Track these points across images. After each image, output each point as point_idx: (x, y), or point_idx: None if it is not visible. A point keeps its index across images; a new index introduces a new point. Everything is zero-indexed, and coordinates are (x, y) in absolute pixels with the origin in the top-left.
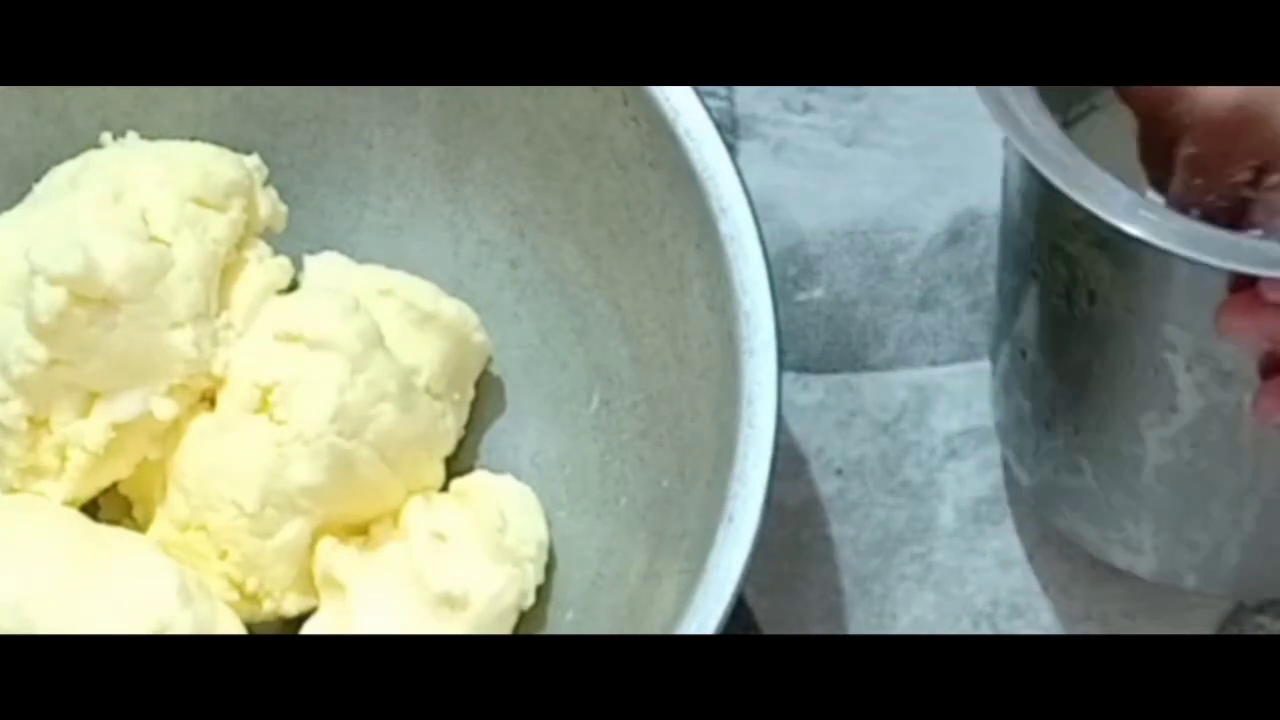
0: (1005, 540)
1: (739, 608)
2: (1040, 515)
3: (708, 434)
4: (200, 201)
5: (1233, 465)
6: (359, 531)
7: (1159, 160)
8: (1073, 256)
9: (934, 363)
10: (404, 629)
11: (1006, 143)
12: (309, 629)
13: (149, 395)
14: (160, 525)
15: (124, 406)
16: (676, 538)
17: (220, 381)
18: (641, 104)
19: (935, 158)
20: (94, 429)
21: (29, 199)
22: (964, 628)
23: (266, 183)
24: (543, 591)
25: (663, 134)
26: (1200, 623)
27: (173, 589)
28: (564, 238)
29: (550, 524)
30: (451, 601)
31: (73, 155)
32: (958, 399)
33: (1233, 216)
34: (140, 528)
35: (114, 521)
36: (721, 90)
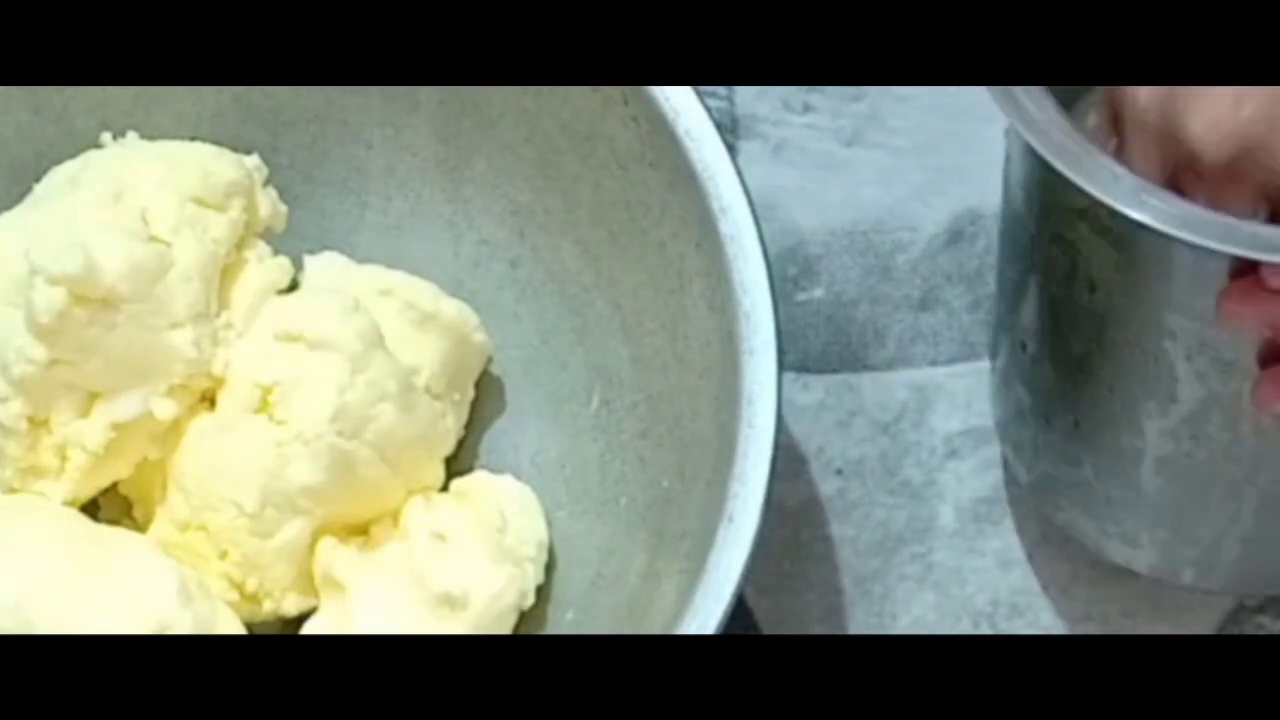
0: (1005, 540)
1: (739, 608)
2: (1039, 511)
3: (708, 434)
4: (200, 201)
5: (1231, 457)
6: (359, 531)
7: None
8: (1074, 245)
9: (934, 363)
10: (404, 629)
11: (1008, 132)
12: (309, 629)
13: (149, 395)
14: (160, 525)
15: (124, 406)
16: (676, 538)
17: (220, 381)
18: (641, 104)
19: (935, 158)
20: (94, 429)
21: (29, 199)
22: (964, 628)
23: (266, 183)
24: (543, 591)
25: (663, 134)
26: (1200, 623)
27: (173, 589)
28: (564, 238)
29: (550, 524)
30: (451, 601)
31: (73, 155)
32: (958, 399)
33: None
34: (140, 528)
35: (114, 521)
36: (721, 90)
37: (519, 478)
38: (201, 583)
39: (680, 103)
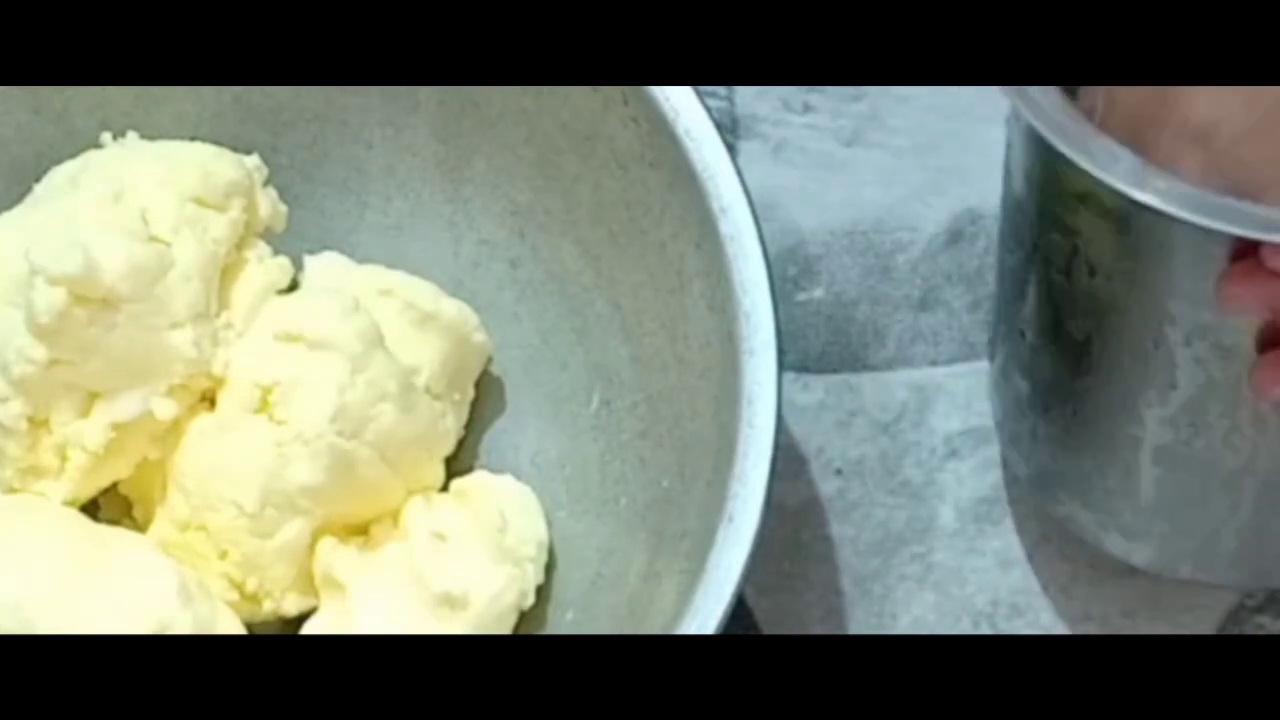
0: (1005, 540)
1: (739, 608)
2: (1038, 505)
3: (708, 434)
4: (200, 201)
5: (1230, 446)
6: (359, 531)
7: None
8: (1074, 229)
9: (934, 363)
10: (404, 629)
11: (1010, 118)
12: (309, 629)
13: (149, 395)
14: (160, 525)
15: (124, 406)
16: (676, 538)
17: (220, 381)
18: (641, 104)
19: (935, 158)
20: (94, 429)
21: (29, 199)
22: (964, 628)
23: (266, 183)
24: (543, 591)
25: (663, 134)
26: (1200, 623)
27: (173, 589)
28: (564, 238)
29: (550, 524)
30: (451, 601)
31: (73, 155)
32: (958, 399)
33: None
34: (140, 528)
35: (114, 521)
36: (721, 90)
37: (519, 478)
38: (201, 583)
39: (680, 103)
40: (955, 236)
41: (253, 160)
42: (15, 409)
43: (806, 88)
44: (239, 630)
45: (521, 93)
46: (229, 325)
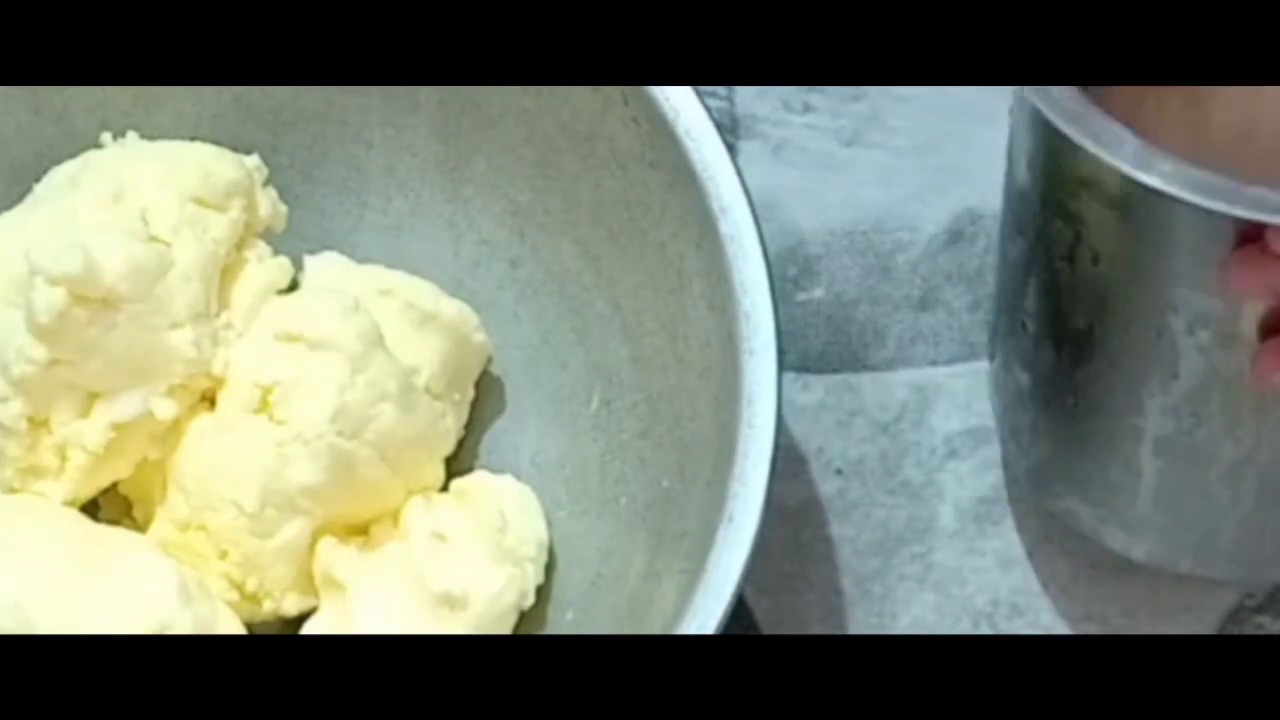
0: (1005, 540)
1: (739, 608)
2: (1037, 499)
3: (708, 434)
4: (200, 201)
5: (1232, 437)
6: (359, 531)
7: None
8: (1078, 216)
9: (934, 363)
10: (404, 629)
11: (1013, 106)
12: (309, 629)
13: (149, 395)
14: (160, 525)
15: (124, 406)
16: (676, 538)
17: (220, 381)
18: (641, 104)
19: (935, 158)
20: (94, 429)
21: (29, 199)
22: (964, 628)
23: (266, 183)
24: (543, 591)
25: (663, 134)
26: (1200, 623)
27: (173, 589)
28: (564, 238)
29: (550, 524)
30: (451, 601)
31: (73, 155)
32: (958, 399)
33: None
34: (140, 528)
35: (114, 521)
36: (721, 90)
37: (519, 478)
38: (201, 583)
39: (680, 103)
40: (955, 236)
41: (253, 160)
42: (15, 409)
43: (806, 88)
44: (239, 630)
45: (521, 93)
46: (229, 325)
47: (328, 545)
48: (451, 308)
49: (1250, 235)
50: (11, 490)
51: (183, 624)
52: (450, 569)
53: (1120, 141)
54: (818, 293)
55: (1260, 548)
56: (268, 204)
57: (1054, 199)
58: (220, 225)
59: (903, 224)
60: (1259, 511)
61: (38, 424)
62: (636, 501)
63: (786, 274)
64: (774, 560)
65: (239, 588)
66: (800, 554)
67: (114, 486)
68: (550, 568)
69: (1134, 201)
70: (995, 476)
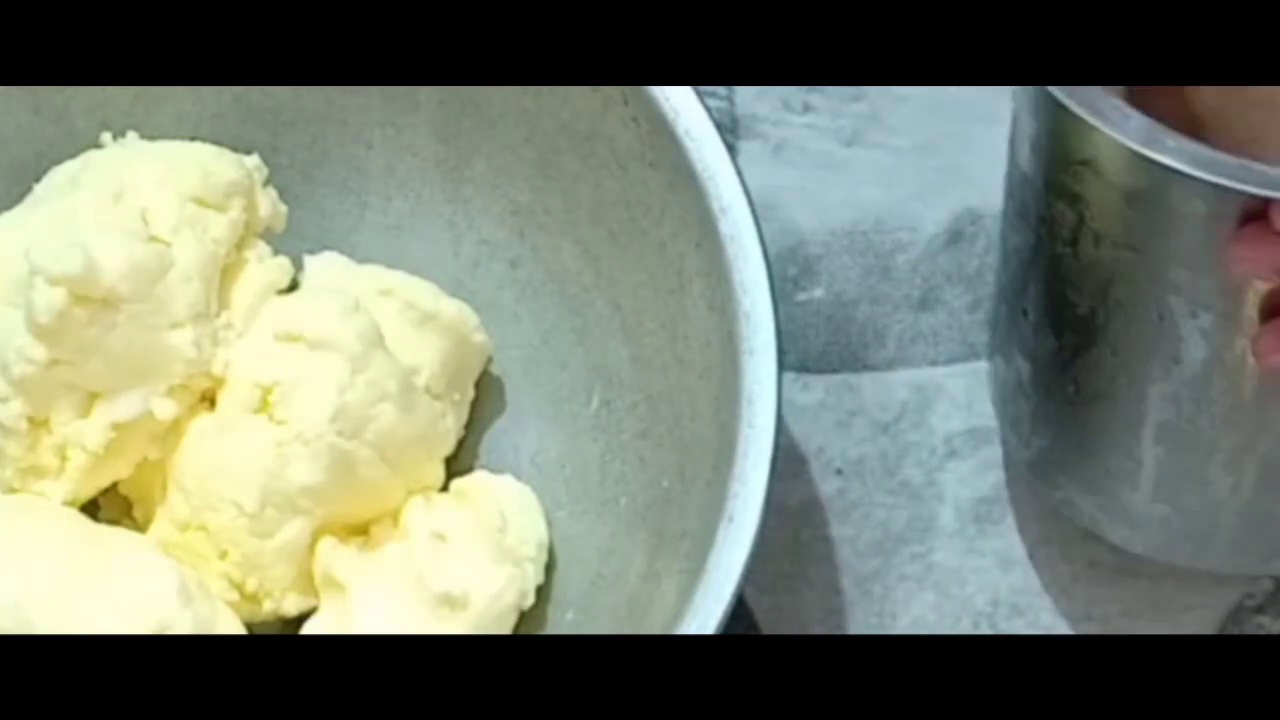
0: (1005, 540)
1: (739, 608)
2: (1036, 491)
3: (708, 434)
4: (200, 201)
5: (1233, 423)
6: (359, 531)
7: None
8: (1081, 197)
9: (934, 363)
10: (404, 629)
11: (1016, 91)
12: (309, 629)
13: (149, 395)
14: (160, 525)
15: (124, 406)
16: (676, 538)
17: (220, 381)
18: (641, 104)
19: (935, 158)
20: (94, 429)
21: (29, 199)
22: (964, 628)
23: (266, 183)
24: (543, 591)
25: (663, 134)
26: (1200, 623)
27: (173, 589)
28: (564, 238)
29: (550, 524)
30: (451, 601)
31: (73, 155)
32: (958, 399)
33: None
34: (140, 528)
35: (114, 521)
36: (721, 90)
37: (519, 478)
38: (201, 583)
39: (680, 103)
40: (955, 236)
41: (253, 160)
42: (15, 409)
43: (806, 88)
44: (239, 630)
45: (521, 93)
46: (229, 325)
47: (328, 545)
48: (451, 308)
49: (1254, 214)
50: (11, 490)
51: (183, 624)
52: (450, 569)
53: (1126, 118)
54: (818, 293)
55: (1260, 538)
56: (268, 204)
57: (1057, 181)
58: (220, 225)
59: (903, 224)
60: (1259, 501)
61: (38, 424)
62: (636, 501)
63: (786, 274)
64: (774, 560)
65: (239, 588)
66: (800, 554)
67: (114, 486)
68: (550, 568)
69: (1139, 180)
70: (995, 476)
